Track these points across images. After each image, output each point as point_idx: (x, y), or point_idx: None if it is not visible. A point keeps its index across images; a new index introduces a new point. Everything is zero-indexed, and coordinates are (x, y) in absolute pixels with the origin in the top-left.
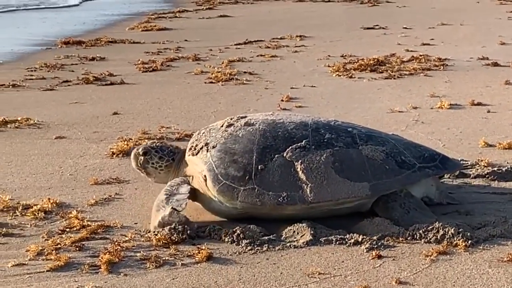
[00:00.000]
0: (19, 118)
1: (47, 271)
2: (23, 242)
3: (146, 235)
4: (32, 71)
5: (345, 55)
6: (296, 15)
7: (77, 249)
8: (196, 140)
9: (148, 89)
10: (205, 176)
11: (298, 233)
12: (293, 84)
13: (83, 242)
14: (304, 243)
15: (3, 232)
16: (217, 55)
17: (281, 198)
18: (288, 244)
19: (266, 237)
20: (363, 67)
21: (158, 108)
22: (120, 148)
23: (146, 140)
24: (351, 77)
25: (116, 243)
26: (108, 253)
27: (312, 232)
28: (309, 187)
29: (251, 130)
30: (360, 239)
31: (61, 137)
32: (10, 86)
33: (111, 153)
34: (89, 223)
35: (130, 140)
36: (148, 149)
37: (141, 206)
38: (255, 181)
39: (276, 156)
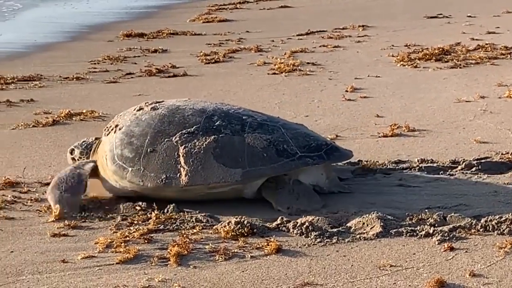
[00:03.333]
0: (84, 111)
1: (117, 263)
2: (92, 234)
3: (215, 228)
4: (95, 63)
5: (409, 45)
6: (358, 5)
7: (146, 241)
8: (112, 122)
9: (211, 81)
10: (106, 155)
11: (367, 225)
12: (357, 75)
13: (152, 235)
14: (374, 235)
15: (72, 225)
16: (279, 46)
17: (160, 180)
18: (357, 236)
19: (335, 229)
20: (427, 56)
21: (222, 99)
22: None
23: None
24: (415, 66)
25: (184, 235)
26: (177, 245)
27: (382, 224)
28: (185, 171)
29: (153, 114)
30: (431, 231)
31: None
32: (74, 79)
33: None
34: (157, 215)
35: None
36: (72, 147)
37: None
38: (142, 163)
39: (165, 140)
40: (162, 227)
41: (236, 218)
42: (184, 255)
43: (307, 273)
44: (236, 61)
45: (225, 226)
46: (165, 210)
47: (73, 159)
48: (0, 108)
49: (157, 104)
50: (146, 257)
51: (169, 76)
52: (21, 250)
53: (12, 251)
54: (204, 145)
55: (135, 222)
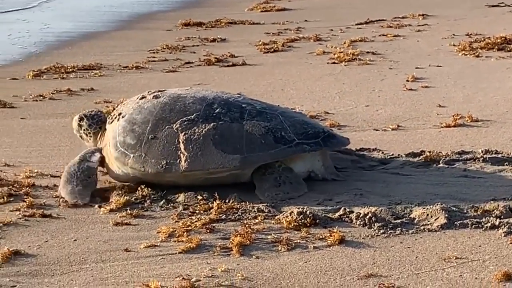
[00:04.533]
0: None
1: (179, 252)
2: (154, 223)
3: (277, 218)
4: (154, 53)
5: (471, 34)
6: None
7: (208, 231)
8: (115, 110)
9: (270, 70)
10: (109, 142)
11: (431, 216)
12: (417, 64)
13: (214, 224)
14: (439, 226)
15: (134, 214)
16: (339, 35)
17: (161, 165)
18: (422, 228)
19: (399, 220)
20: (490, 45)
21: (281, 89)
22: None
23: None
24: (478, 56)
25: (246, 225)
26: (239, 235)
27: (446, 215)
28: (184, 157)
29: (155, 102)
30: (497, 223)
31: None
32: (134, 68)
33: None
34: (218, 205)
35: None
36: (82, 116)
37: None
38: (144, 149)
39: (166, 127)
40: (224, 216)
41: (299, 208)
42: (246, 245)
43: (371, 264)
44: (295, 51)
45: (287, 217)
46: (227, 200)
47: (79, 125)
48: (61, 97)
49: (160, 93)
50: (208, 246)
51: (228, 66)
52: (84, 238)
53: (75, 240)
54: (204, 132)
55: (197, 211)
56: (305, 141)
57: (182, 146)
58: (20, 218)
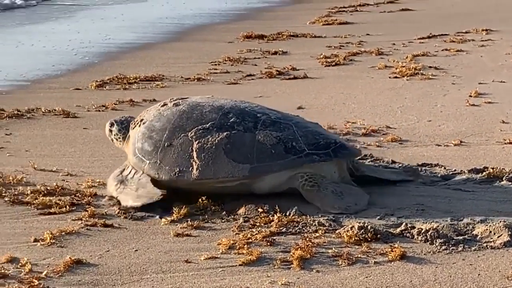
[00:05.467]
0: None
1: (240, 265)
2: (215, 235)
3: (337, 232)
4: (216, 64)
5: None
6: (481, 8)
7: (268, 244)
8: (139, 116)
9: (331, 84)
10: (129, 148)
11: (494, 233)
12: (481, 79)
13: (274, 237)
14: (502, 244)
15: (194, 225)
16: (401, 49)
17: (174, 173)
18: (484, 245)
19: (461, 237)
20: None
21: (343, 102)
22: None
23: None
24: None
25: (307, 239)
26: (299, 248)
27: (509, 232)
28: (196, 165)
29: (174, 110)
30: None
31: None
32: (196, 80)
33: None
34: (279, 218)
35: None
36: (112, 121)
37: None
38: (159, 156)
39: (182, 135)
40: (284, 230)
41: (359, 223)
42: (306, 258)
43: (432, 281)
44: (356, 64)
45: (348, 231)
46: (287, 213)
47: (110, 131)
48: (123, 108)
49: (180, 101)
50: (268, 259)
51: (289, 78)
52: (145, 249)
53: (136, 250)
54: (216, 141)
55: (257, 224)
56: (315, 152)
57: (194, 154)
58: (82, 228)
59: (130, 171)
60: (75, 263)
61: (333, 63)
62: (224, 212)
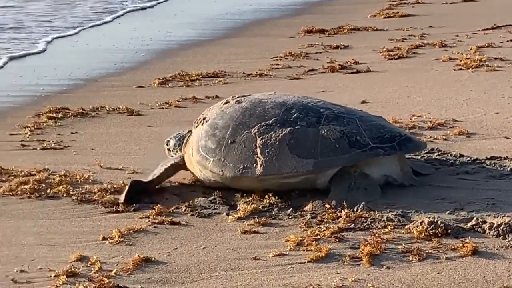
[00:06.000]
0: None
1: (308, 262)
2: (282, 232)
3: (407, 227)
4: (277, 60)
5: None
6: None
7: (337, 240)
8: (201, 115)
9: (395, 77)
10: (193, 146)
11: None
12: None
13: (342, 233)
14: None
15: (262, 222)
16: (464, 41)
17: (238, 170)
18: None
19: None
20: None
21: (407, 96)
22: None
23: None
24: None
25: (376, 234)
26: (369, 244)
27: None
28: (260, 161)
29: (237, 107)
30: None
31: None
32: (258, 76)
33: None
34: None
35: None
36: (168, 139)
37: (405, 195)
38: (223, 153)
39: (245, 132)
40: (352, 225)
41: (429, 218)
42: (376, 254)
43: (506, 276)
44: (420, 57)
45: (417, 226)
46: (355, 209)
47: (168, 149)
48: (186, 105)
49: (242, 98)
50: (337, 256)
51: (352, 72)
52: (213, 246)
53: (204, 247)
54: (280, 137)
55: (325, 220)
56: (380, 145)
57: (258, 150)
58: (149, 225)
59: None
60: (144, 261)
61: (396, 56)
62: (291, 209)
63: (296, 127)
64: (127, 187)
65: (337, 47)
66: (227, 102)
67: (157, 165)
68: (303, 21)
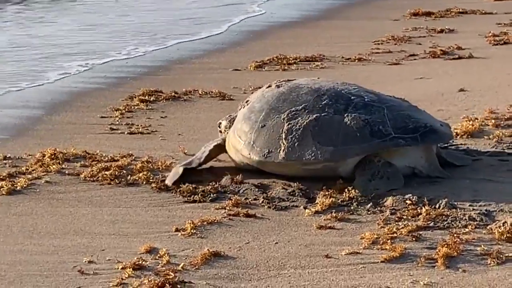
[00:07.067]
0: None
1: (381, 262)
2: (359, 228)
3: (489, 227)
4: (379, 44)
5: None
6: None
7: (414, 239)
8: (248, 97)
9: (498, 64)
10: (232, 129)
11: None
12: None
13: (420, 232)
14: None
15: (339, 217)
16: None
17: (263, 154)
18: None
19: None
20: None
21: (508, 85)
22: (465, 128)
23: (492, 120)
24: None
25: (455, 234)
26: (446, 245)
27: None
28: (284, 146)
29: (274, 92)
30: None
31: None
32: (356, 60)
33: (454, 133)
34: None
35: (476, 120)
36: (220, 121)
37: (492, 191)
38: (253, 137)
39: (276, 116)
40: (432, 224)
41: None
42: (453, 256)
43: None
44: None
45: (499, 227)
46: (437, 205)
47: (220, 131)
48: None
49: (283, 82)
50: (412, 256)
51: (453, 58)
52: (285, 241)
53: (276, 242)
54: (305, 123)
55: (404, 217)
56: (401, 136)
57: (283, 135)
58: (224, 217)
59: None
60: (213, 255)
61: (502, 42)
62: (371, 203)
63: (322, 114)
64: (177, 174)
65: (441, 31)
66: (269, 86)
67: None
68: (411, 2)
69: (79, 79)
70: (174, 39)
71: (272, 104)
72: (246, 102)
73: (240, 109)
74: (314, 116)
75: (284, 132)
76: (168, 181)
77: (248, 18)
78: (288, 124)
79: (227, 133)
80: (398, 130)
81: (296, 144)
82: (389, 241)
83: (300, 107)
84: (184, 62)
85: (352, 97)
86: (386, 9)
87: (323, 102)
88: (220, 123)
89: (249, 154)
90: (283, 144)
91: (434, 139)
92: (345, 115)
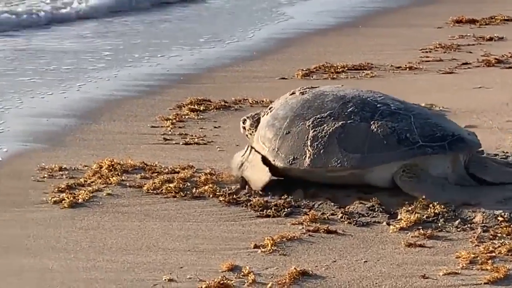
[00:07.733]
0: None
1: (485, 283)
2: (451, 246)
3: None
4: (427, 52)
5: None
6: None
7: None
8: (271, 104)
9: None
10: (255, 135)
11: None
12: None
13: None
14: None
15: (427, 234)
16: None
17: (288, 160)
18: None
19: None
20: None
21: None
22: None
23: None
24: None
25: None
26: None
27: None
28: (309, 153)
29: (299, 99)
30: None
31: (471, 126)
32: (407, 69)
33: None
34: None
35: None
36: (245, 118)
37: None
38: (277, 143)
39: (301, 123)
40: None
41: None
42: None
43: None
44: None
45: None
46: None
47: (243, 128)
48: None
49: (307, 89)
50: None
51: (510, 67)
52: (375, 260)
53: (365, 261)
54: (331, 130)
55: (499, 234)
56: (429, 144)
57: (309, 142)
58: (303, 233)
59: (249, 153)
60: (301, 274)
61: None
62: (459, 220)
63: (348, 121)
64: (263, 183)
65: (490, 39)
66: (293, 93)
67: None
68: (450, 9)
69: (121, 87)
70: (213, 46)
71: (296, 111)
72: (270, 109)
73: (263, 116)
74: (340, 123)
75: (310, 139)
76: (255, 187)
77: (285, 25)
78: (314, 131)
79: (253, 131)
80: (425, 138)
81: (321, 151)
82: (488, 261)
83: (326, 114)
84: (227, 71)
85: (378, 105)
86: (425, 16)
87: (349, 110)
88: (244, 120)
89: (274, 160)
90: (309, 151)
91: (462, 148)
92: (372, 122)
